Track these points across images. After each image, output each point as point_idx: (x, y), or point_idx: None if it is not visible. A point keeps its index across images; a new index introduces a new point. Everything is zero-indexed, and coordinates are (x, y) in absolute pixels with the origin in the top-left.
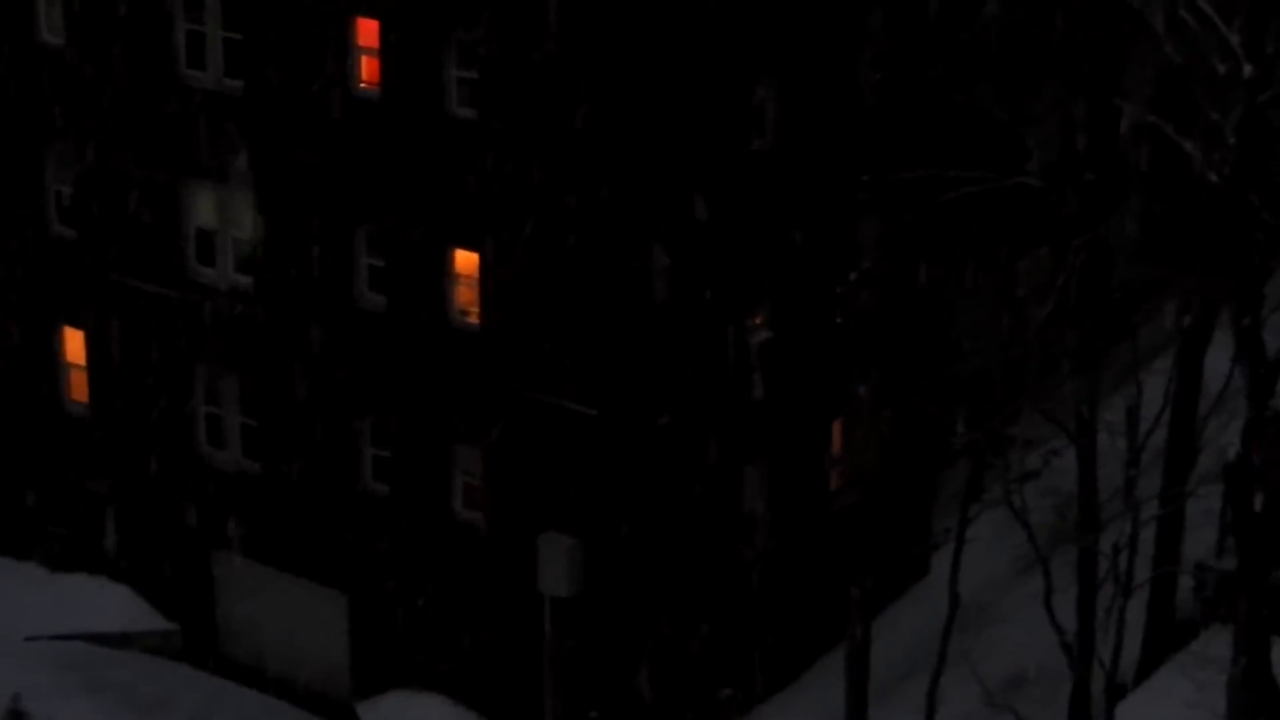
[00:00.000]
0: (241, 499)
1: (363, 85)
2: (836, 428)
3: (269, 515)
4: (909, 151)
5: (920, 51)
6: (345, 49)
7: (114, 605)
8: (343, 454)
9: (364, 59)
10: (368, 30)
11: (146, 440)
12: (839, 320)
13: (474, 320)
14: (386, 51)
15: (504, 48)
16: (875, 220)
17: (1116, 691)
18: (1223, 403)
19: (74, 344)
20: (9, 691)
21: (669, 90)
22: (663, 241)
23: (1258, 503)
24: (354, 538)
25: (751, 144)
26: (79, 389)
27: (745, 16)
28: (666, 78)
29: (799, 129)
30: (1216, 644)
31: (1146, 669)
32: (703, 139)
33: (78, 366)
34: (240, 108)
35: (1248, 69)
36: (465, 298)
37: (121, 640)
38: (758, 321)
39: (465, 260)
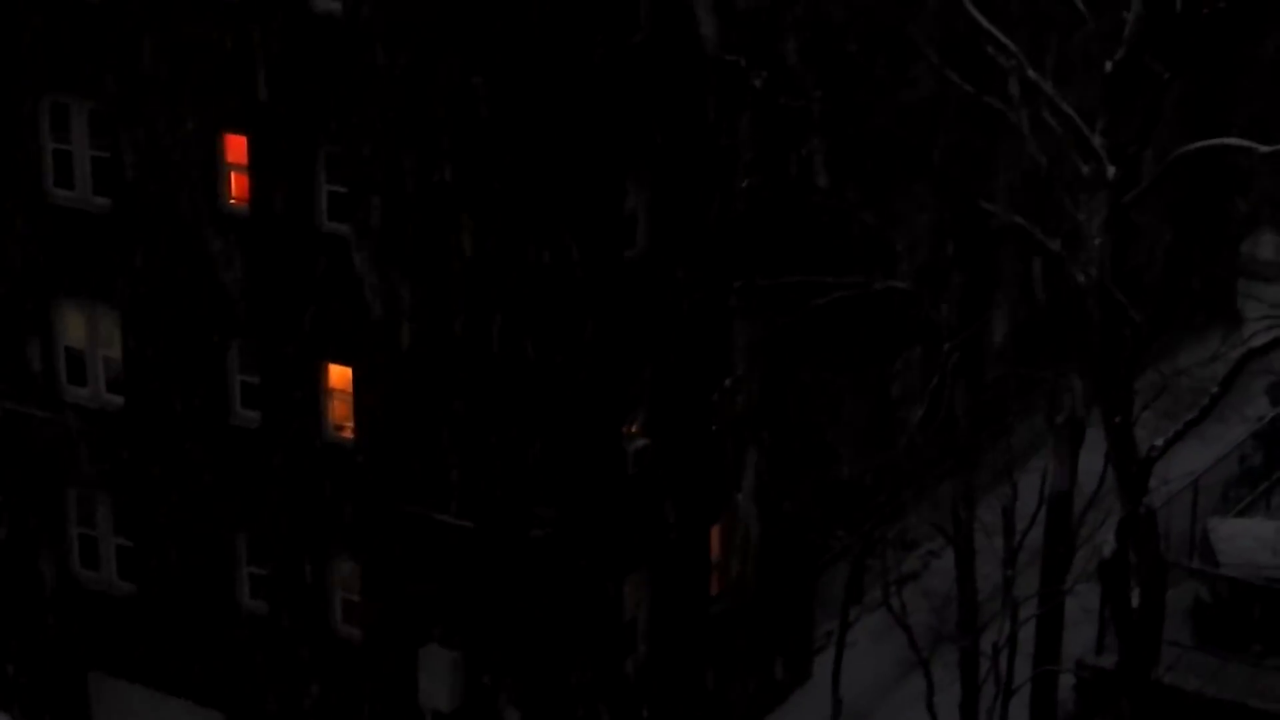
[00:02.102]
0: (117, 620)
1: (232, 201)
2: (715, 533)
3: (145, 636)
4: (781, 257)
5: (790, 157)
6: (214, 165)
7: None
8: (219, 572)
9: (233, 174)
10: (236, 146)
11: (18, 562)
12: (714, 426)
13: (348, 435)
14: (255, 166)
15: (375, 162)
16: (748, 326)
17: None
18: (1097, 500)
19: None
20: None
21: (543, 203)
22: (536, 351)
23: (1135, 599)
24: (232, 656)
25: (623, 253)
26: None
27: (615, 127)
28: (540, 192)
29: (670, 236)
30: None
31: None
32: (575, 249)
33: None
34: (108, 225)
35: (1111, 169)
36: (339, 412)
37: None
38: (633, 429)
39: (339, 375)
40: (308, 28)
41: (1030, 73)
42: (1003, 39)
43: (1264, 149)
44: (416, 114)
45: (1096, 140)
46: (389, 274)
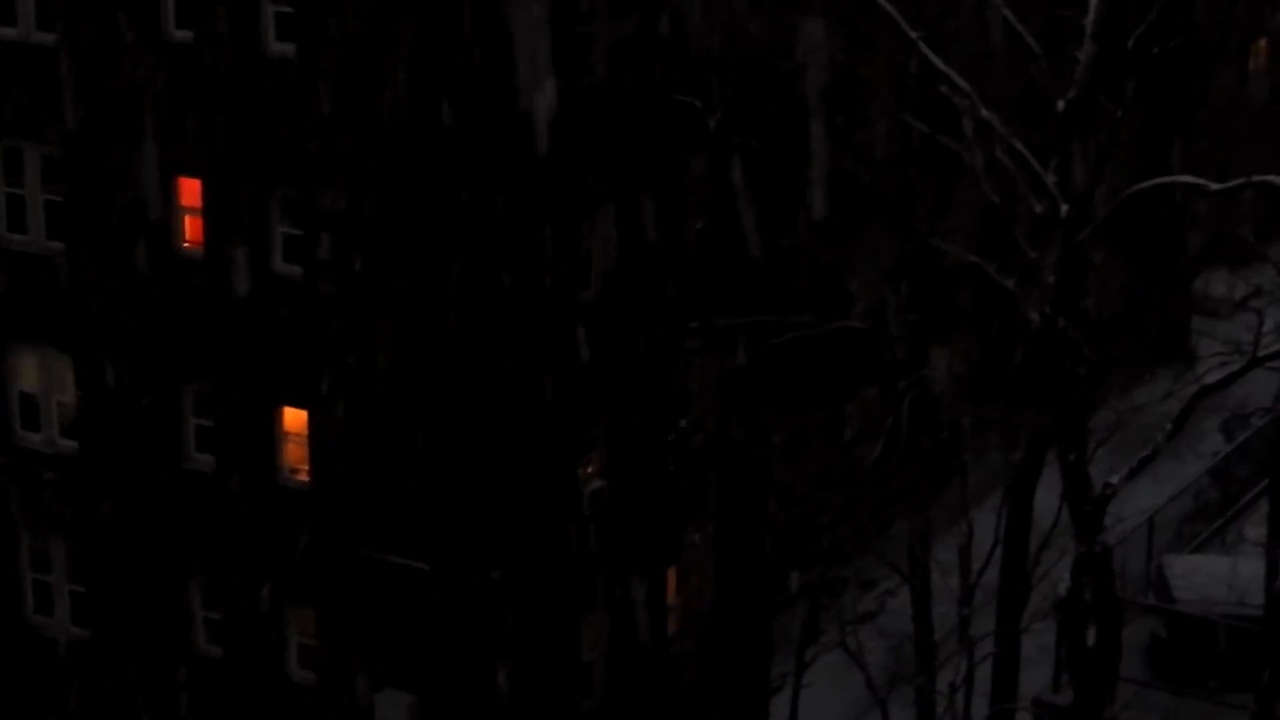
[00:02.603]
0: (72, 667)
1: (186, 244)
2: (672, 574)
3: (100, 682)
4: (737, 297)
5: (741, 196)
6: (168, 208)
7: None
8: (174, 617)
9: (187, 218)
10: (190, 189)
11: None
12: (671, 467)
13: (304, 479)
14: (209, 210)
15: (329, 206)
16: (704, 366)
17: None
18: (1053, 538)
19: None
20: None
21: (498, 245)
22: (491, 392)
23: (1091, 637)
24: (188, 701)
25: (579, 294)
26: None
27: (571, 168)
28: (496, 234)
29: (626, 277)
30: None
31: None
32: (531, 291)
33: None
34: (62, 270)
35: (1064, 208)
36: (295, 456)
37: None
38: (590, 470)
39: (294, 418)
40: (261, 71)
41: (984, 112)
42: (956, 79)
43: (1215, 186)
44: (371, 156)
45: (1050, 179)
46: (343, 317)
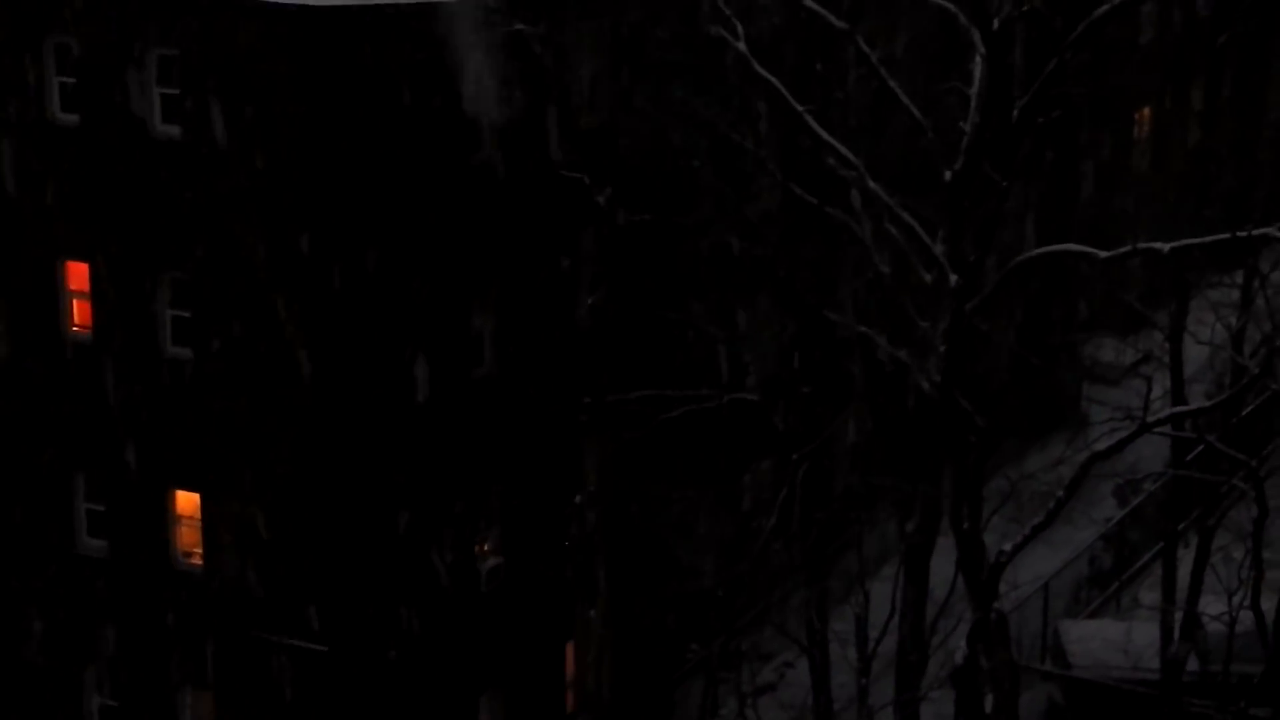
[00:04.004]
0: None
1: (74, 328)
2: (569, 650)
3: None
4: (630, 372)
5: (632, 270)
6: (55, 293)
7: None
8: (67, 702)
9: (75, 301)
10: (78, 273)
11: None
12: (567, 543)
13: (197, 562)
14: (97, 293)
15: (218, 288)
16: (598, 441)
17: None
18: (949, 606)
19: None
20: None
21: (389, 324)
22: (386, 472)
23: (988, 704)
24: None
25: (471, 372)
26: None
27: (460, 247)
28: (386, 313)
29: (518, 354)
30: None
31: None
32: (422, 370)
33: None
34: None
35: (953, 278)
36: (188, 539)
37: None
38: (486, 548)
39: (187, 501)
40: (147, 153)
41: (871, 184)
42: (844, 151)
43: (1103, 254)
44: (259, 239)
45: (938, 249)
46: (235, 398)
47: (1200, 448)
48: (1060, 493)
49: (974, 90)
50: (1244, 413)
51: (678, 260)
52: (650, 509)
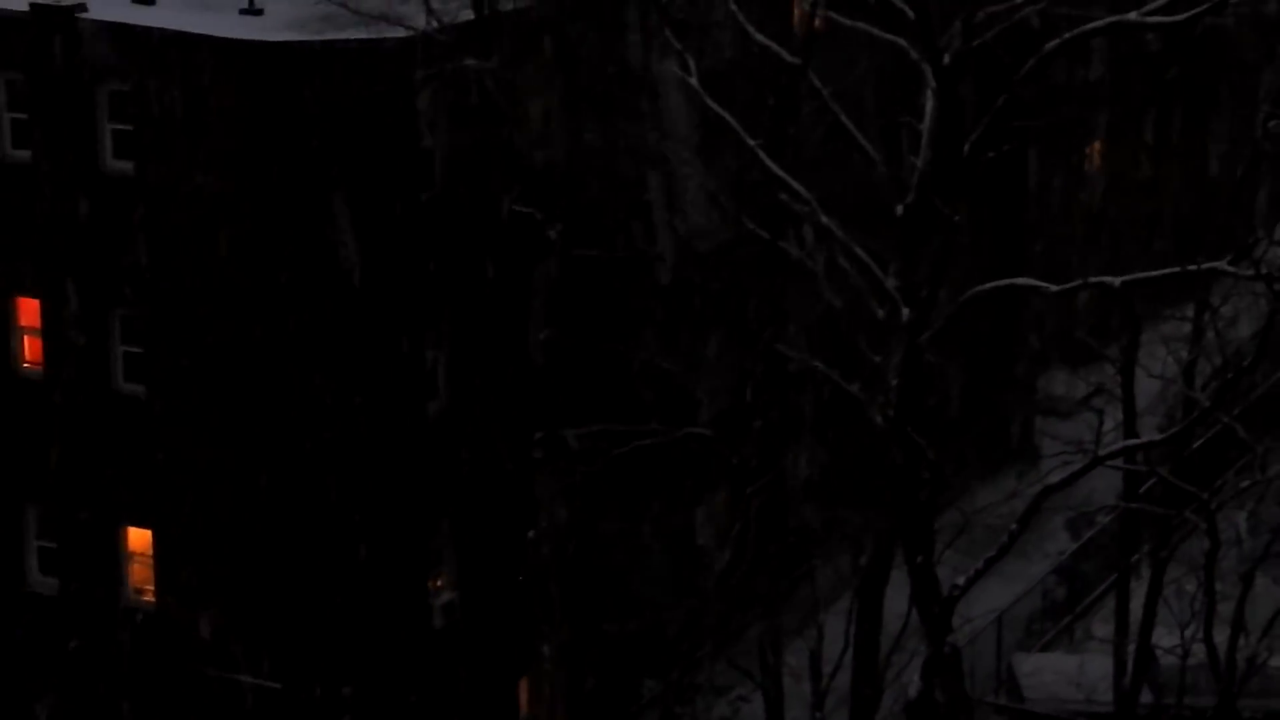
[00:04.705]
0: None
1: (26, 365)
2: (523, 685)
3: None
4: (583, 406)
5: (585, 305)
6: (6, 329)
7: None
8: None
9: (26, 338)
10: (29, 309)
11: None
12: (521, 578)
13: (150, 599)
14: (48, 330)
15: (170, 324)
16: (552, 476)
17: None
18: (903, 640)
19: None
20: None
21: (342, 359)
22: (339, 507)
23: None
24: None
25: (425, 407)
26: None
27: (411, 283)
28: (339, 350)
29: (471, 389)
30: None
31: None
32: (375, 406)
33: None
34: None
35: (905, 312)
36: (140, 576)
37: None
38: (439, 583)
39: (138, 538)
40: (99, 188)
41: (823, 218)
42: (795, 186)
43: (1054, 288)
44: (211, 274)
45: (890, 283)
46: (188, 435)
47: (1152, 480)
48: (1013, 526)
49: (925, 125)
50: (1195, 445)
51: (631, 294)
52: (605, 544)
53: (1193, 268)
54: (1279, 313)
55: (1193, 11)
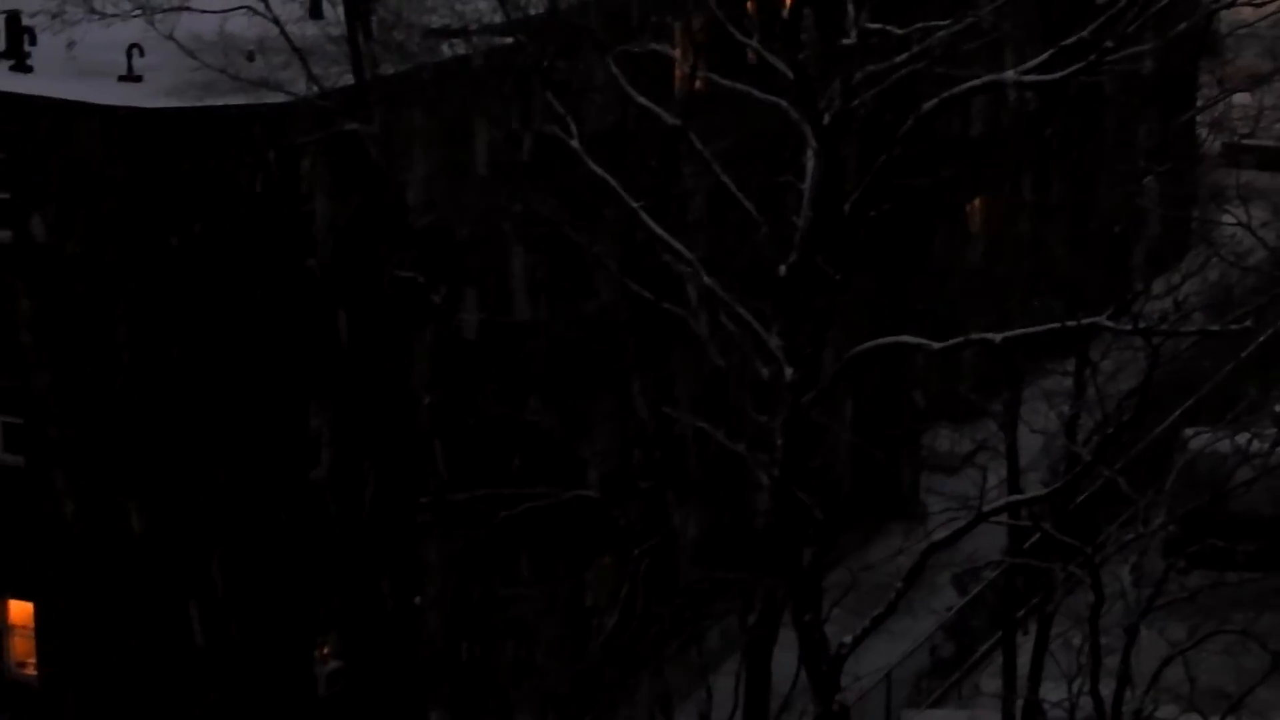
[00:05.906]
0: None
1: None
2: None
3: None
4: (468, 471)
5: (470, 369)
6: None
7: None
8: None
9: None
10: None
11: None
12: (408, 645)
13: (31, 673)
14: None
15: (49, 395)
16: (438, 541)
17: None
18: (792, 699)
19: None
20: None
21: (223, 429)
22: (222, 578)
23: None
24: None
25: (308, 474)
26: None
27: (295, 351)
28: (221, 419)
29: (356, 455)
30: None
31: None
32: (257, 473)
33: None
34: None
35: (789, 371)
36: (21, 649)
37: None
38: (325, 652)
39: (20, 611)
40: None
41: (706, 279)
42: (678, 246)
43: (937, 345)
44: (91, 342)
45: (774, 343)
46: (69, 506)
47: (1037, 535)
48: (899, 583)
49: (807, 184)
50: (1078, 500)
51: (516, 357)
52: (493, 608)
53: (1072, 323)
54: (1157, 367)
55: (1066, 70)
